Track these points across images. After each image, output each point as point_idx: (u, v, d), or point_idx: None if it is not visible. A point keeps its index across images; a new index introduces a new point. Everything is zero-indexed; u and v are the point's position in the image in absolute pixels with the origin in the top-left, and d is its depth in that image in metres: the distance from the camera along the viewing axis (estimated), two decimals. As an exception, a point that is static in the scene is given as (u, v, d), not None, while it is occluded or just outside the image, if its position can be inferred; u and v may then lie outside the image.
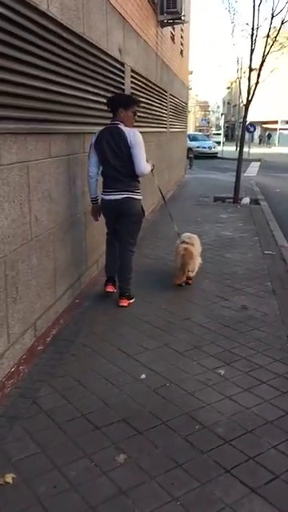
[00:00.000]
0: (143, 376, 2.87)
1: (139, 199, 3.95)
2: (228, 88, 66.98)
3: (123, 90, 5.37)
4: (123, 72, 5.37)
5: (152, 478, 2.04)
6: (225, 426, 2.40)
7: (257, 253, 5.89)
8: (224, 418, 2.46)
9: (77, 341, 3.36)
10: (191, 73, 28.84)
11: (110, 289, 4.21)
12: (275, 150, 40.04)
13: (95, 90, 4.23)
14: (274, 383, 2.81)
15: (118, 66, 5.12)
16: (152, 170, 4.10)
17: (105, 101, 4.21)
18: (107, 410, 2.52)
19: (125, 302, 4.03)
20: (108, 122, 3.97)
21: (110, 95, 4.53)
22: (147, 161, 3.89)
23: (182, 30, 11.89)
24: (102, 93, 4.44)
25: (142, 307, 4.01)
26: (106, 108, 3.98)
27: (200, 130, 54.01)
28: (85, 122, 4.02)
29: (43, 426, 2.38)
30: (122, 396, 2.66)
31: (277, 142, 46.68)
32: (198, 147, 25.99)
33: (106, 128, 3.80)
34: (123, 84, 5.38)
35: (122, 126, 3.76)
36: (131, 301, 4.09)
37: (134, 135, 3.73)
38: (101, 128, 3.89)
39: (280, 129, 46.56)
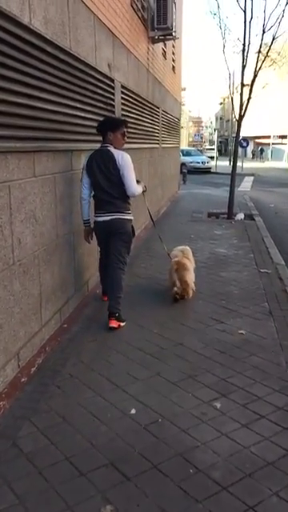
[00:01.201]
0: (133, 411, 2.66)
1: (130, 219, 3.88)
2: (221, 103, 67.63)
3: (113, 106, 5.25)
4: (113, 88, 5.25)
5: (141, 534, 1.83)
6: (222, 468, 2.19)
7: (252, 271, 5.72)
8: (220, 459, 2.26)
9: (63, 371, 3.15)
10: (184, 89, 29.10)
11: (106, 299, 4.17)
12: (268, 164, 40.23)
13: (83, 106, 4.10)
14: (274, 417, 2.61)
15: (108, 81, 5.00)
16: (144, 191, 4.03)
17: (94, 117, 4.12)
18: (93, 452, 2.30)
19: (114, 323, 3.85)
20: (97, 138, 3.89)
21: (98, 111, 4.43)
22: (138, 182, 3.87)
23: (173, 46, 11.89)
24: (91, 109, 4.31)
25: (133, 331, 3.82)
26: (94, 124, 3.90)
27: (194, 146, 54.22)
28: (72, 139, 3.87)
29: (23, 472, 2.17)
30: (110, 435, 2.45)
31: (270, 156, 46.98)
32: (192, 162, 26.04)
33: (97, 151, 3.81)
34: (113, 100, 5.26)
35: (111, 149, 3.77)
36: (122, 324, 3.90)
37: (123, 157, 3.74)
38: (89, 144, 3.80)
39: (273, 143, 46.90)
